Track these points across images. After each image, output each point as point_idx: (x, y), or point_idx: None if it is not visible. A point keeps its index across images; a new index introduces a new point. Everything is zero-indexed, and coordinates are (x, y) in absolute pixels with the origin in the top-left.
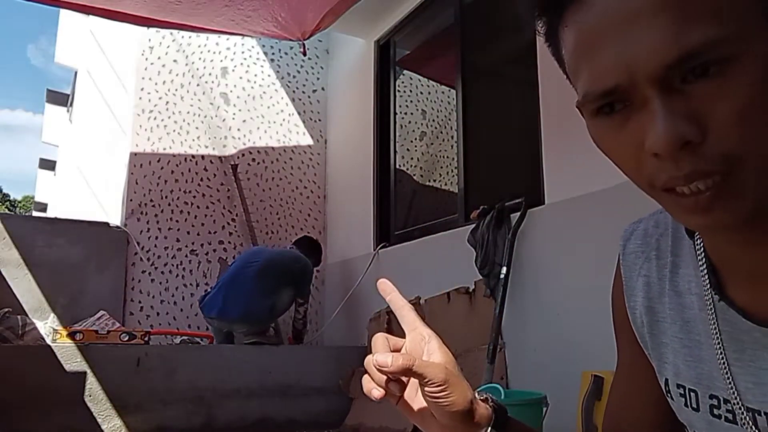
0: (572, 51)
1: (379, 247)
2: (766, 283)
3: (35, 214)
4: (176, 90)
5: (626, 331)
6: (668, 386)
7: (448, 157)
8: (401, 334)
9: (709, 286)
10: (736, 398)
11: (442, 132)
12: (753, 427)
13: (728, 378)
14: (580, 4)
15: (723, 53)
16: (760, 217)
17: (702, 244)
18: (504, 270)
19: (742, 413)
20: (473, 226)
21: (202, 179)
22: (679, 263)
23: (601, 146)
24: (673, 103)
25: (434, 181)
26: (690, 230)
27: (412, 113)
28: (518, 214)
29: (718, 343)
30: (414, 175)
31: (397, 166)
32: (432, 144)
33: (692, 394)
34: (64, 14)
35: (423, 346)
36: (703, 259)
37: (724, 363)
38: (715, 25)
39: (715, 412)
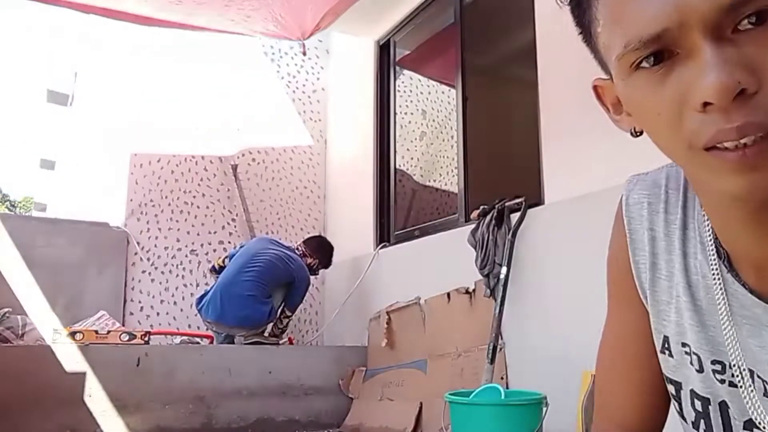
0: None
1: (379, 247)
2: None
3: (35, 214)
4: (176, 90)
5: (625, 287)
6: (667, 343)
7: (448, 157)
8: (401, 335)
9: (717, 258)
10: (742, 365)
11: (442, 132)
12: (762, 394)
13: (736, 348)
14: None
15: None
16: None
17: (710, 226)
18: (504, 270)
19: (746, 379)
20: (473, 226)
21: (202, 179)
22: (688, 224)
23: (636, 105)
24: (726, 52)
25: (434, 181)
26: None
27: (412, 113)
28: (518, 214)
29: (726, 314)
30: (414, 175)
31: (397, 166)
32: (432, 144)
33: (695, 356)
34: (64, 14)
35: None
36: (710, 232)
37: (731, 334)
38: None
39: (718, 377)
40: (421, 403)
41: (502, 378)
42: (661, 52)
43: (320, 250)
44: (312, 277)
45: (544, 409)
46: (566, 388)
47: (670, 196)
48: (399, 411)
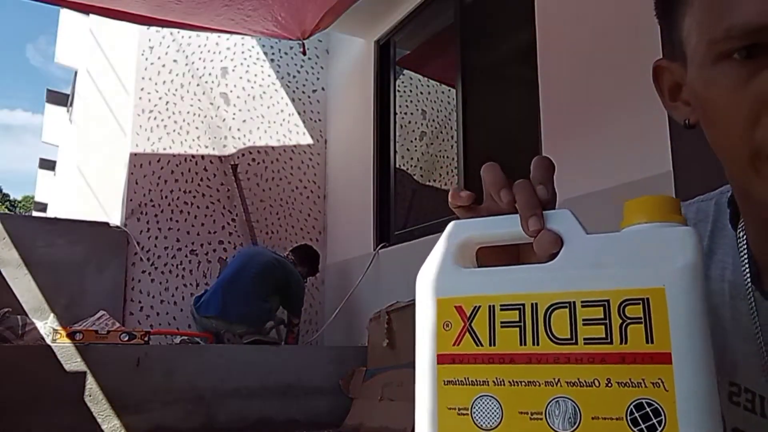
0: None
1: (379, 247)
2: None
3: (35, 214)
4: (176, 90)
5: None
6: None
7: (448, 157)
8: (401, 334)
9: (749, 276)
10: None
11: (442, 132)
12: None
13: None
14: None
15: None
16: None
17: (745, 238)
18: None
19: None
20: None
21: (202, 179)
22: (715, 249)
23: (710, 97)
24: None
25: (434, 181)
26: (734, 220)
27: (412, 113)
28: None
29: (758, 335)
30: (414, 175)
31: (397, 166)
32: (432, 144)
33: None
34: (64, 14)
35: None
36: (746, 249)
37: (765, 356)
38: None
39: (734, 399)
40: None
41: None
42: (756, 47)
43: (307, 259)
44: (312, 277)
45: None
46: None
47: (699, 227)
48: (399, 411)
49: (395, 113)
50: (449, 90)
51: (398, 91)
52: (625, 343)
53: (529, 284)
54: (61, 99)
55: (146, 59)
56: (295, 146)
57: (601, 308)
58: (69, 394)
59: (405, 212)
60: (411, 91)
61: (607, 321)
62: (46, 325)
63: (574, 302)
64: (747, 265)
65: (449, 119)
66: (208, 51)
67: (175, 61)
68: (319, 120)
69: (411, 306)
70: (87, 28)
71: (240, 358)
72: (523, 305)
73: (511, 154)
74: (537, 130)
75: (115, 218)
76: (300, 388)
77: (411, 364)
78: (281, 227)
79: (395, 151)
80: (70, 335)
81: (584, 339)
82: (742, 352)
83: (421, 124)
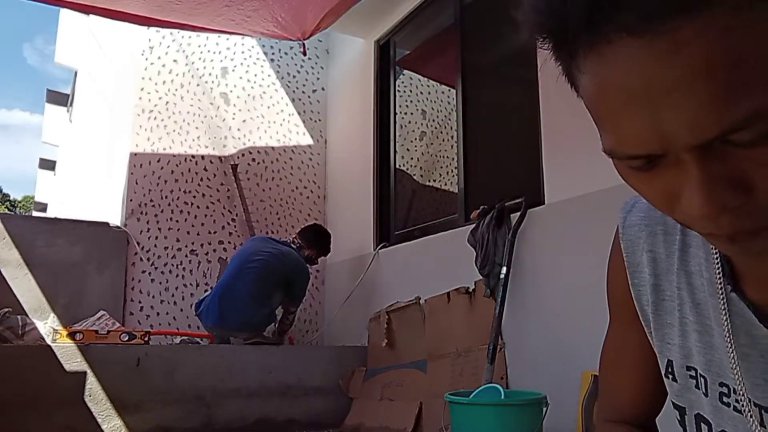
0: (592, 100)
1: (379, 247)
2: None
3: (35, 214)
4: (176, 90)
5: (624, 307)
6: (671, 368)
7: (448, 157)
8: (401, 334)
9: (721, 275)
10: (742, 391)
11: (442, 132)
12: (759, 423)
13: (737, 371)
14: (598, 55)
15: None
16: None
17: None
18: (504, 270)
19: (749, 408)
20: (473, 226)
21: (202, 179)
22: (690, 242)
23: (629, 184)
24: (713, 167)
25: (434, 181)
26: None
27: (412, 113)
28: (518, 214)
29: (729, 335)
30: (414, 175)
31: (397, 166)
32: (432, 144)
33: (702, 379)
34: (64, 14)
35: None
36: (717, 250)
37: (733, 355)
38: (764, 95)
39: (725, 399)
40: (421, 403)
41: (502, 378)
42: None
43: (316, 240)
44: (312, 276)
45: (544, 409)
46: (566, 388)
47: (668, 218)
48: (399, 411)
49: (395, 113)
50: (449, 90)
51: (398, 91)
52: None
53: None
54: (61, 99)
55: (146, 59)
56: (295, 146)
57: None
58: (69, 394)
59: (405, 212)
60: (411, 91)
61: None
62: (46, 325)
63: None
64: (718, 262)
65: (449, 119)
66: (208, 51)
67: (175, 61)
68: (319, 120)
69: (411, 306)
70: (87, 27)
71: (240, 358)
72: None
73: (511, 155)
74: (537, 130)
75: (115, 218)
76: (300, 388)
77: (411, 364)
78: (281, 227)
79: (395, 151)
80: (70, 335)
81: None
82: (726, 351)
83: (421, 124)
